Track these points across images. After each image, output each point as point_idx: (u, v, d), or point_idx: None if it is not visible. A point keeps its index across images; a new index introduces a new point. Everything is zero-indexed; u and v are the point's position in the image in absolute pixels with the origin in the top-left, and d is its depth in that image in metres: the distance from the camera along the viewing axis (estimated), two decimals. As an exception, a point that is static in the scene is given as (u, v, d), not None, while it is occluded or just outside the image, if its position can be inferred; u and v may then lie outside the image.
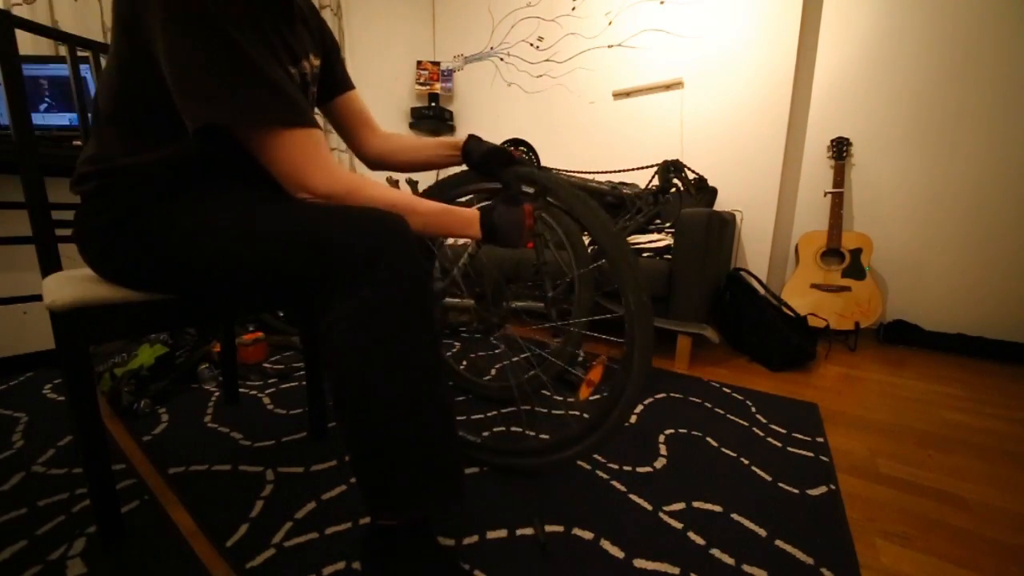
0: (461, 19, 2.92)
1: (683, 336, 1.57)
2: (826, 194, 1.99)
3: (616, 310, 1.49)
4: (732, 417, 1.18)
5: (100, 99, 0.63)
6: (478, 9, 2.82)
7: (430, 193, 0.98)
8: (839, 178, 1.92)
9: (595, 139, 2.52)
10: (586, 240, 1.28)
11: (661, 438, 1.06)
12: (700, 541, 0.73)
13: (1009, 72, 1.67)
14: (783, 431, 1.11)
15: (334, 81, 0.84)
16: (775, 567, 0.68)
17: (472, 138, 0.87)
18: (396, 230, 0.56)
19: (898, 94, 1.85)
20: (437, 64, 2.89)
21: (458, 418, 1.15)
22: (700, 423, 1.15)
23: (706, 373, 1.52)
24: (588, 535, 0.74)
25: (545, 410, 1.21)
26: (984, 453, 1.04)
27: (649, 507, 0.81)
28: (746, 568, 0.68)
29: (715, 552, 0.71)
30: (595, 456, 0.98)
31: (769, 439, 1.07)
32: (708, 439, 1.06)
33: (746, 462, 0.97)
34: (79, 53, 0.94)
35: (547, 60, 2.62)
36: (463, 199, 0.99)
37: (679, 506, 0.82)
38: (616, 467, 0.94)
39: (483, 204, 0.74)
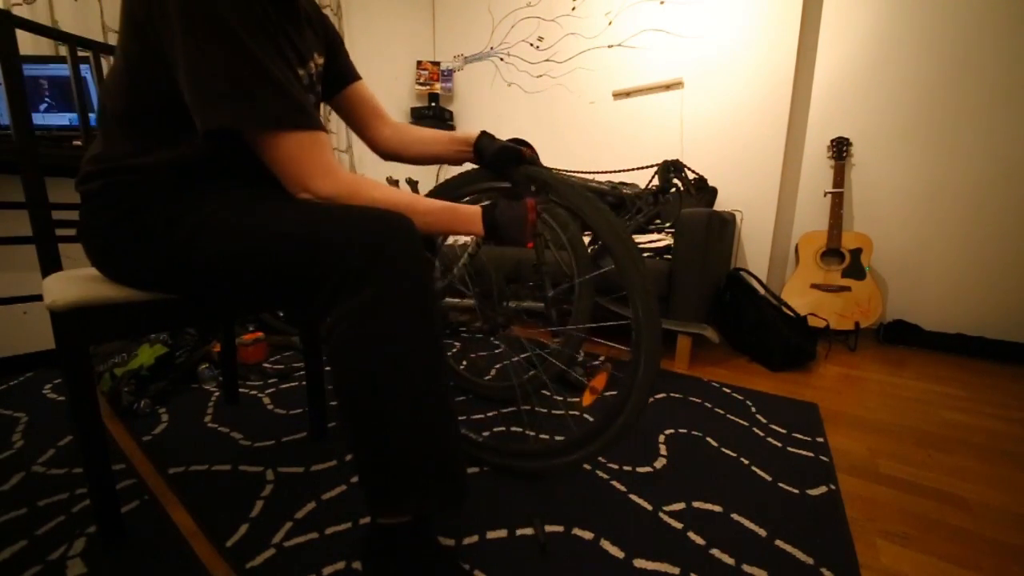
0: (461, 19, 2.92)
1: (683, 336, 1.57)
2: (826, 194, 1.99)
3: (620, 312, 1.49)
4: (732, 417, 1.18)
5: (107, 98, 0.64)
6: (478, 9, 2.82)
7: (436, 193, 0.97)
8: (839, 178, 1.92)
9: (595, 139, 2.52)
10: (586, 240, 1.28)
11: (661, 438, 1.06)
12: (700, 541, 0.73)
13: (1009, 72, 1.67)
14: (783, 431, 1.11)
15: (339, 72, 0.84)
16: (775, 567, 0.68)
17: (484, 135, 0.87)
18: (400, 229, 0.56)
19: (898, 94, 1.85)
20: (437, 64, 2.89)
21: (458, 418, 1.15)
22: (700, 423, 1.15)
23: (706, 373, 1.52)
24: (588, 535, 0.74)
25: (545, 410, 1.21)
26: (984, 453, 1.04)
27: (649, 507, 0.81)
28: (746, 568, 0.68)
29: (715, 552, 0.71)
30: (595, 456, 0.98)
31: (769, 439, 1.07)
32: (708, 439, 1.06)
33: (746, 462, 0.97)
34: (79, 53, 0.94)
35: (547, 60, 2.62)
36: (468, 199, 0.99)
37: (679, 506, 0.82)
38: (616, 467, 0.94)
39: (485, 202, 0.74)
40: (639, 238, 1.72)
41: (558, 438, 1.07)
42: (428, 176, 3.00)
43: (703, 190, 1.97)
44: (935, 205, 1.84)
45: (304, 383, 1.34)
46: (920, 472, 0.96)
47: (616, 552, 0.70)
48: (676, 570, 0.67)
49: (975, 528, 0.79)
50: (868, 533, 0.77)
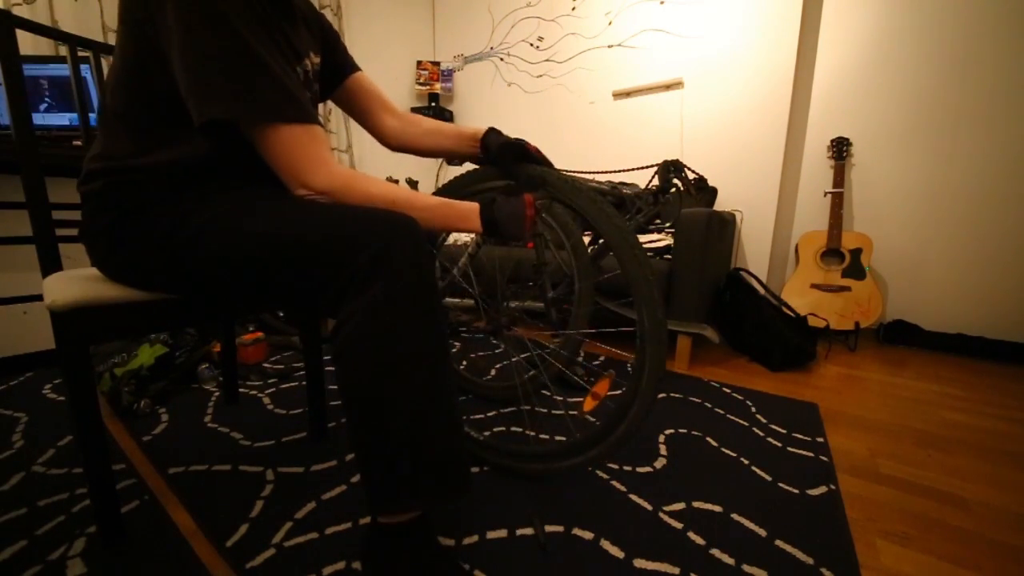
0: (461, 19, 2.92)
1: (683, 336, 1.57)
2: (826, 194, 1.99)
3: (624, 314, 1.49)
4: (732, 417, 1.18)
5: (108, 96, 0.64)
6: (478, 9, 2.82)
7: (444, 192, 0.96)
8: (839, 178, 1.92)
9: (595, 139, 2.52)
10: (586, 240, 1.28)
11: (661, 438, 1.06)
12: (700, 541, 0.73)
13: (1009, 72, 1.67)
14: (783, 431, 1.11)
15: (337, 65, 0.84)
16: (775, 567, 0.68)
17: (491, 131, 0.86)
18: (405, 228, 0.56)
19: (898, 94, 1.85)
20: (437, 64, 2.89)
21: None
22: (700, 423, 1.15)
23: (706, 373, 1.52)
24: (588, 535, 0.74)
25: (545, 410, 1.21)
26: (984, 453, 1.04)
27: (649, 507, 0.81)
28: (746, 568, 0.68)
29: (715, 552, 0.71)
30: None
31: (769, 439, 1.07)
32: (708, 439, 1.06)
33: (746, 462, 0.97)
34: (79, 53, 0.94)
35: (547, 60, 2.62)
36: (475, 199, 0.98)
37: (679, 506, 0.82)
38: (616, 467, 0.94)
39: (483, 197, 0.73)
40: (639, 238, 1.72)
41: (559, 438, 1.07)
42: (428, 176, 3.00)
43: (703, 190, 1.97)
44: (935, 205, 1.84)
45: (304, 383, 1.34)
46: (920, 472, 0.96)
47: (616, 552, 0.70)
48: (676, 570, 0.67)
49: (975, 528, 0.79)
50: (868, 533, 0.77)
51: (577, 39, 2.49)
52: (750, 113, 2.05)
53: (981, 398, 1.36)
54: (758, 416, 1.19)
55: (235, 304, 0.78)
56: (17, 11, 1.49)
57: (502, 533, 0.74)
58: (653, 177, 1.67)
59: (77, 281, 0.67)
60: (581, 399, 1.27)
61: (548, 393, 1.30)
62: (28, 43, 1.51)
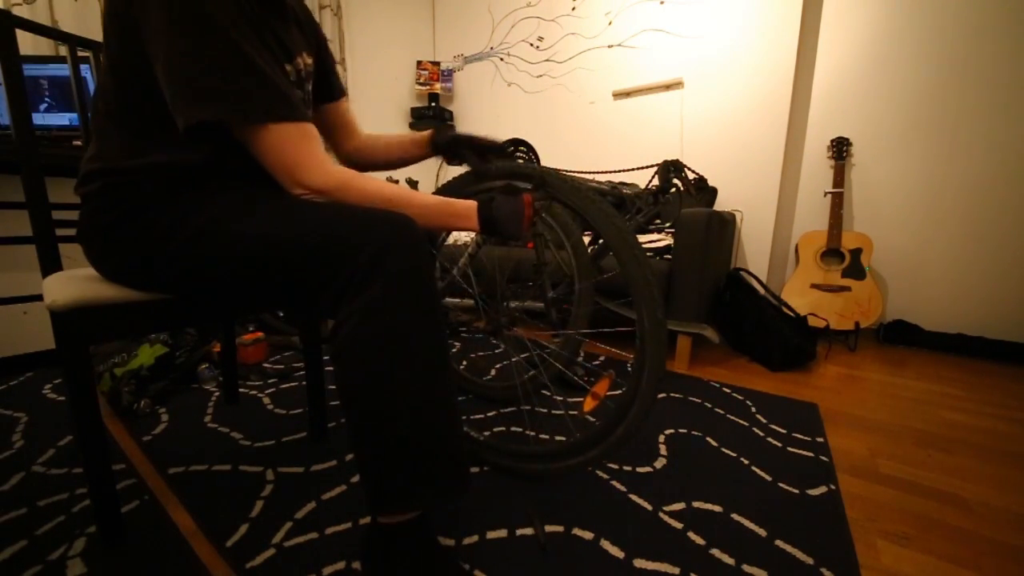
0: (461, 19, 2.92)
1: (683, 336, 1.57)
2: (826, 194, 1.99)
3: (624, 313, 1.49)
4: (732, 417, 1.18)
5: (98, 99, 0.63)
6: (478, 9, 2.82)
7: (444, 191, 0.96)
8: (839, 178, 1.92)
9: (595, 139, 2.52)
10: (586, 240, 1.28)
11: (661, 438, 1.06)
12: (700, 541, 0.73)
13: (1009, 72, 1.67)
14: (783, 431, 1.11)
15: (328, 86, 0.85)
16: (775, 567, 0.68)
17: (438, 128, 0.88)
18: (404, 228, 0.56)
19: (898, 94, 1.85)
20: (437, 64, 2.89)
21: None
22: (700, 423, 1.15)
23: (706, 373, 1.52)
24: (588, 535, 0.74)
25: (545, 410, 1.21)
26: (984, 453, 1.04)
27: (649, 507, 0.81)
28: (746, 568, 0.68)
29: (715, 552, 0.71)
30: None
31: (769, 439, 1.07)
32: (708, 439, 1.06)
33: (746, 462, 0.97)
34: (79, 53, 0.94)
35: (547, 60, 2.62)
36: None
37: (679, 506, 0.82)
38: (616, 467, 0.94)
39: (481, 196, 0.73)
40: (639, 238, 1.72)
41: (559, 438, 1.07)
42: (428, 176, 3.00)
43: (703, 190, 1.97)
44: (935, 205, 1.84)
45: (304, 383, 1.34)
46: (920, 472, 0.96)
47: (616, 552, 0.70)
48: (676, 570, 0.67)
49: (975, 528, 0.79)
50: (868, 533, 0.77)
51: (577, 39, 2.49)
52: (750, 113, 2.05)
53: (981, 398, 1.36)
54: (758, 416, 1.19)
55: (234, 304, 0.78)
56: (17, 11, 1.50)
57: (502, 533, 0.74)
58: (653, 177, 1.67)
59: (77, 281, 0.67)
60: (581, 399, 1.27)
61: (548, 393, 1.30)
62: (28, 43, 1.52)
